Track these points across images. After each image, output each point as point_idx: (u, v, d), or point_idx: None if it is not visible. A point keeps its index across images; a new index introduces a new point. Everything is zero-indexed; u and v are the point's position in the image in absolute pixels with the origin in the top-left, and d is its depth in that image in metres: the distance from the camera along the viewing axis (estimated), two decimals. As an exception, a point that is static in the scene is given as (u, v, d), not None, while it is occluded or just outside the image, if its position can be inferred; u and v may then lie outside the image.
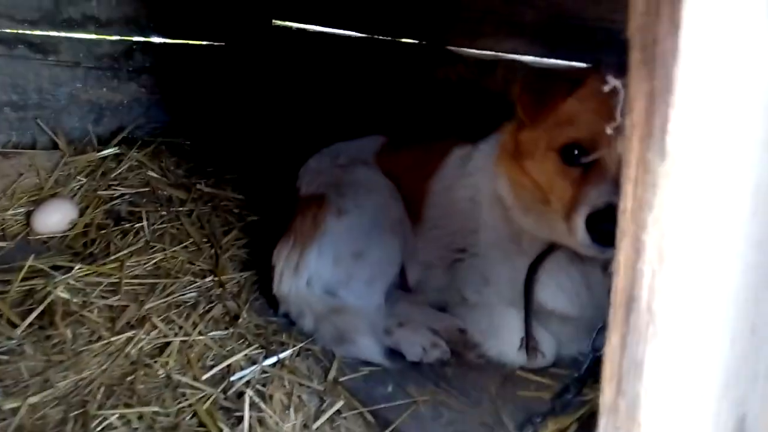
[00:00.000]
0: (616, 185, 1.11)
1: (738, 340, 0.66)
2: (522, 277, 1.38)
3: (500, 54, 1.97)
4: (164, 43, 2.74)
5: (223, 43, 2.90)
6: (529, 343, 1.34)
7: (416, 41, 2.28)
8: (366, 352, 1.42)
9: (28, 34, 2.43)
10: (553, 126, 1.24)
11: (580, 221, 1.14)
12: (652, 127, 0.60)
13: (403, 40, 2.32)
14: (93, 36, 2.58)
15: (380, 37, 2.41)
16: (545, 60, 1.89)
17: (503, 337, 1.42)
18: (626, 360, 0.69)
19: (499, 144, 1.41)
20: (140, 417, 1.22)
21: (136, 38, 2.68)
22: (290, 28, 2.91)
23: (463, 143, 1.62)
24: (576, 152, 1.20)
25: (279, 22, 2.98)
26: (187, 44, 2.81)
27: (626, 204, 0.65)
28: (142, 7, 2.65)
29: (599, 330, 1.25)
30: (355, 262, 1.55)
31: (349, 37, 2.57)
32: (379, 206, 1.61)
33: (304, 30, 2.83)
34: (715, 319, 0.64)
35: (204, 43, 2.86)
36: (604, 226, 1.10)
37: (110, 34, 2.62)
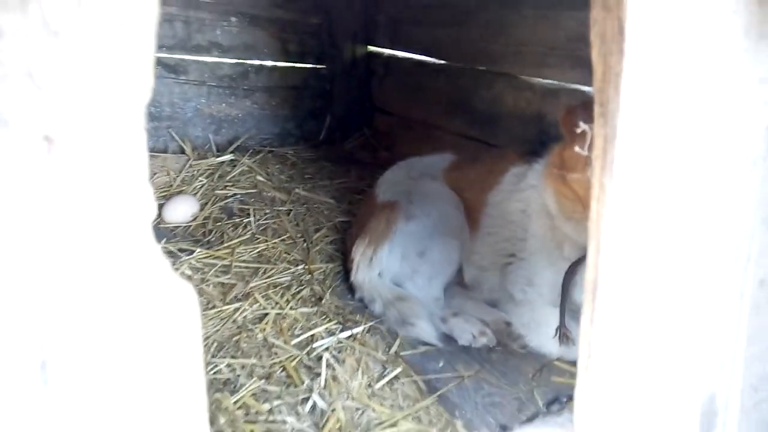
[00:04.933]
0: None
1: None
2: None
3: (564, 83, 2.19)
4: (275, 66, 3.18)
5: (324, 66, 3.30)
6: (562, 332, 1.56)
7: (487, 69, 2.53)
8: (423, 334, 1.68)
9: (164, 57, 2.94)
10: None
11: None
12: (606, 160, 0.85)
13: (477, 67, 2.59)
14: (216, 59, 3.06)
15: (456, 65, 2.69)
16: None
17: (543, 331, 1.63)
18: (594, 332, 0.93)
19: (548, 161, 1.64)
20: (243, 366, 1.56)
21: (251, 61, 3.13)
22: (382, 54, 3.26)
23: (520, 163, 1.86)
24: None
25: (373, 48, 3.34)
26: (294, 67, 3.23)
27: (592, 215, 0.89)
28: (258, 36, 3.10)
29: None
30: (419, 260, 1.83)
31: (433, 63, 2.87)
32: (443, 214, 1.88)
33: (394, 56, 3.16)
34: (654, 302, 0.88)
35: (308, 66, 3.26)
36: None
37: (230, 58, 3.09)
